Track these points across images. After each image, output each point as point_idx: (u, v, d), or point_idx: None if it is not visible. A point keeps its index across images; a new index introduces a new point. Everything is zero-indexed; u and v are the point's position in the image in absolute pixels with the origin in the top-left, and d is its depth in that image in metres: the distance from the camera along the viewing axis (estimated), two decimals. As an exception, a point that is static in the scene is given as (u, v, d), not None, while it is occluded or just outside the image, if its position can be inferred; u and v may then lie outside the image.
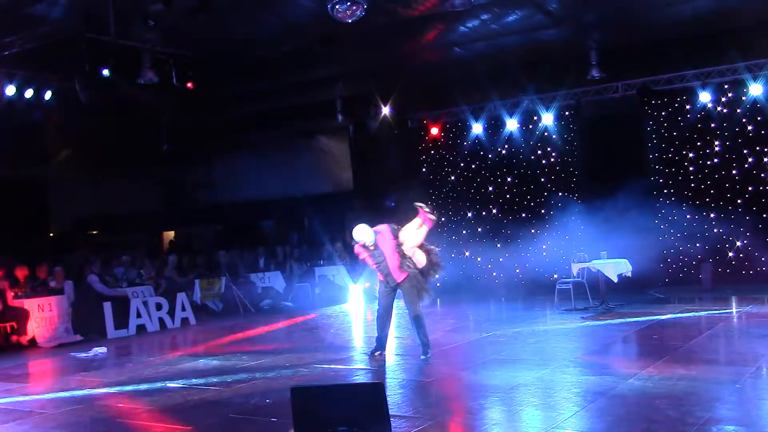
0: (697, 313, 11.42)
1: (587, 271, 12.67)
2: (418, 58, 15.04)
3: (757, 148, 14.36)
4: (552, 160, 16.32)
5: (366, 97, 17.09)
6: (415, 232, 8.64)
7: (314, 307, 15.34)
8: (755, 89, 14.13)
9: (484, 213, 17.04)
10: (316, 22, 11.91)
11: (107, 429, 6.47)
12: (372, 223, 8.80)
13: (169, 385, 8.06)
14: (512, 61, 14.87)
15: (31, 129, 16.08)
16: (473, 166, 17.17)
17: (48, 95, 13.81)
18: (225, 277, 15.37)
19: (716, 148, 14.72)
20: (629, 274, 12.58)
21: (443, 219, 17.05)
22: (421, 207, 8.70)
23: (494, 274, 16.31)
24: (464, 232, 17.03)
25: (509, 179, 16.80)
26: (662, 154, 15.22)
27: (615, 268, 12.30)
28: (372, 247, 8.58)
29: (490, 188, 17.02)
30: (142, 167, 20.01)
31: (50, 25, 11.74)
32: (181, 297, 13.74)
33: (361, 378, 8.18)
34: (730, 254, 14.49)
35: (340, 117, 17.31)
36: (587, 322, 11.14)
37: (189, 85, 13.32)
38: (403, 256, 8.57)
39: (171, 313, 13.47)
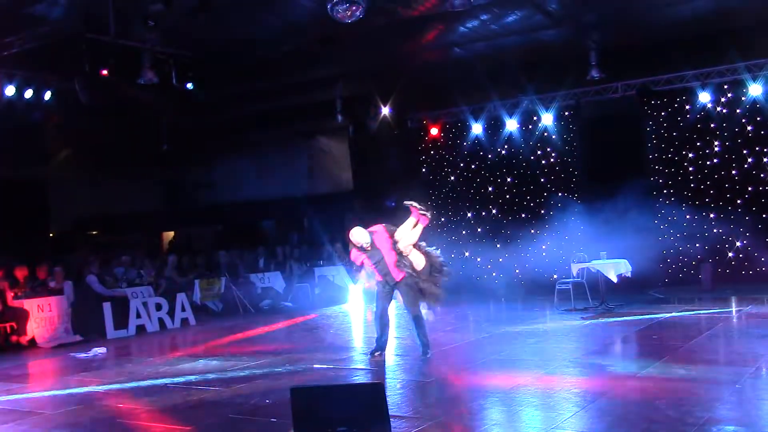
0: (696, 314, 11.42)
1: (587, 272, 12.67)
2: (417, 58, 15.04)
3: (757, 149, 14.36)
4: (552, 160, 16.32)
5: (366, 97, 17.10)
6: (410, 231, 8.62)
7: (314, 307, 15.34)
8: (755, 89, 14.13)
9: (483, 213, 17.04)
10: (316, 23, 11.91)
11: (107, 429, 6.47)
12: (369, 224, 8.80)
13: (168, 385, 8.06)
14: (512, 61, 14.87)
15: (31, 129, 16.09)
16: (473, 167, 17.17)
17: (48, 95, 13.82)
18: (225, 278, 15.37)
19: (716, 149, 14.73)
20: (629, 275, 12.58)
21: (443, 219, 17.07)
22: (413, 205, 8.66)
23: (494, 274, 16.30)
24: (464, 232, 17.03)
25: (509, 179, 16.80)
26: (662, 155, 15.22)
27: (615, 268, 12.30)
28: (369, 247, 8.58)
29: (490, 188, 17.02)
30: (142, 167, 20.01)
31: (50, 25, 11.75)
32: (181, 297, 13.74)
33: (360, 378, 8.18)
34: (730, 254, 14.49)
35: (339, 117, 17.32)
36: (587, 323, 11.14)
37: (189, 85, 13.33)
38: (399, 254, 8.56)
39: (171, 313, 13.47)
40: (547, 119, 16.07)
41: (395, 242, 8.59)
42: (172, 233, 23.14)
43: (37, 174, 18.32)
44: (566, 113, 16.17)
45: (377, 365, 8.59)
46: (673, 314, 11.37)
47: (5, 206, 16.80)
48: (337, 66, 15.26)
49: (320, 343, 10.84)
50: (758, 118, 14.27)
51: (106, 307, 12.65)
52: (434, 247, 8.98)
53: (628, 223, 13.53)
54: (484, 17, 12.95)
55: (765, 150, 14.30)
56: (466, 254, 16.65)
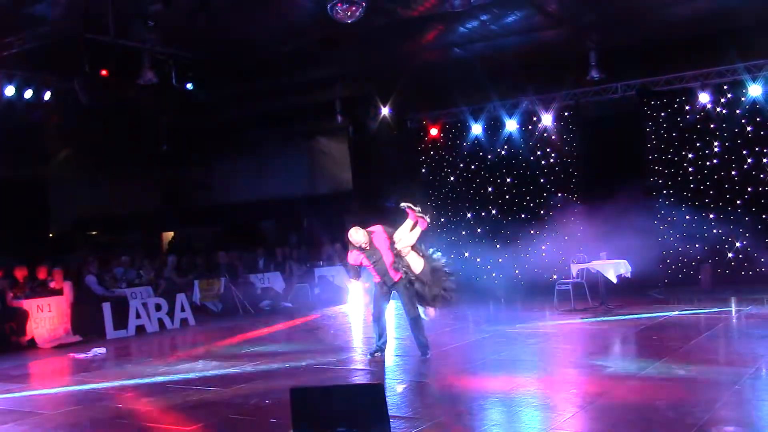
0: (696, 314, 11.42)
1: (586, 272, 12.68)
2: (417, 58, 15.04)
3: (756, 149, 14.35)
4: (551, 160, 16.31)
5: (365, 97, 17.10)
6: (408, 233, 8.60)
7: (313, 307, 15.34)
8: (754, 90, 14.13)
9: (483, 214, 17.04)
10: (316, 23, 11.91)
11: (107, 429, 6.48)
12: (368, 225, 8.79)
13: (168, 385, 8.06)
14: (512, 61, 14.87)
15: (31, 129, 16.09)
16: (473, 167, 17.17)
17: (48, 95, 13.81)
18: (224, 278, 15.36)
19: (715, 149, 14.72)
20: (628, 275, 12.57)
21: (442, 220, 17.07)
22: (409, 207, 8.62)
23: (494, 274, 16.28)
24: (463, 232, 17.02)
25: (509, 180, 16.80)
26: (661, 155, 15.21)
27: (614, 268, 12.29)
28: (367, 247, 8.57)
29: (490, 189, 17.02)
30: (142, 167, 20.00)
31: (50, 25, 11.74)
32: (181, 298, 13.74)
33: (360, 379, 8.19)
34: (730, 255, 14.49)
35: (339, 118, 17.32)
36: (586, 323, 11.13)
37: (189, 85, 13.33)
38: (396, 255, 8.55)
39: (170, 313, 13.47)
40: (546, 119, 16.07)
41: (393, 243, 8.58)
42: (171, 233, 23.13)
43: (37, 174, 18.31)
44: (566, 113, 16.17)
45: (377, 366, 8.58)
46: (673, 315, 11.37)
47: (5, 206, 16.79)
48: (337, 66, 15.26)
49: (320, 343, 10.84)
50: (758, 119, 14.27)
51: (106, 307, 12.66)
52: (433, 249, 8.91)
53: (628, 223, 13.50)
54: (483, 17, 12.94)
55: (765, 150, 14.30)
56: (466, 255, 16.64)
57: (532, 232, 16.02)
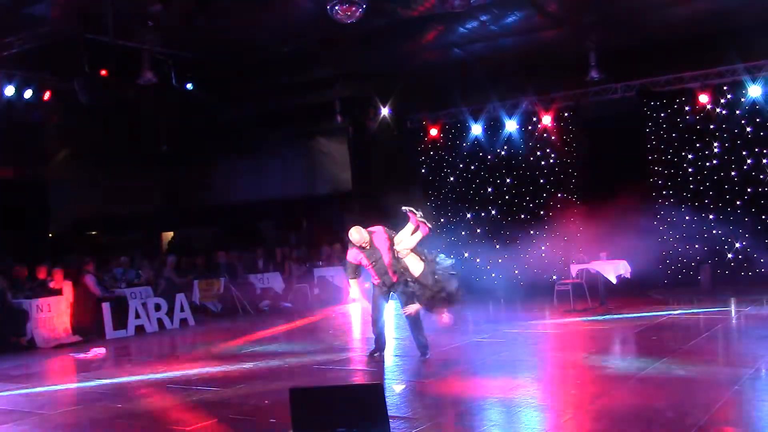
0: (696, 315, 11.42)
1: (586, 273, 12.68)
2: (417, 59, 15.05)
3: (756, 150, 14.36)
4: (551, 161, 16.32)
5: (365, 98, 17.10)
6: (409, 237, 8.59)
7: (313, 308, 15.34)
8: (754, 91, 14.14)
9: (483, 214, 17.04)
10: (316, 23, 11.91)
11: (107, 429, 6.47)
12: (369, 225, 8.78)
13: (168, 385, 8.06)
14: (511, 62, 14.88)
15: (30, 129, 16.08)
16: (472, 167, 17.17)
17: (48, 95, 13.82)
18: (224, 278, 15.36)
19: (715, 150, 14.72)
20: (628, 276, 12.58)
21: (442, 220, 17.07)
22: (411, 211, 8.55)
23: (493, 275, 16.28)
24: (463, 233, 17.01)
25: (508, 180, 16.80)
26: (661, 156, 15.22)
27: (614, 269, 12.30)
28: (367, 246, 8.56)
29: (489, 189, 17.02)
30: (141, 167, 19.98)
31: (50, 25, 11.75)
32: (180, 298, 13.74)
33: (360, 379, 8.18)
34: (729, 255, 14.49)
35: (339, 118, 17.32)
36: (586, 323, 11.13)
37: (188, 85, 13.34)
38: (395, 257, 8.54)
39: (170, 313, 13.47)
40: (546, 120, 16.07)
41: (393, 244, 8.57)
42: (171, 234, 23.13)
43: (37, 174, 18.29)
44: (566, 114, 16.17)
45: (376, 366, 8.58)
46: (673, 315, 11.37)
47: (5, 206, 16.79)
48: (337, 66, 15.26)
49: (319, 343, 10.83)
50: (757, 120, 14.28)
51: (105, 307, 12.66)
52: (436, 252, 8.84)
53: (628, 224, 13.52)
54: (483, 18, 12.95)
55: (764, 151, 14.30)
56: (466, 255, 16.64)
57: (531, 232, 16.03)
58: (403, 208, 8.61)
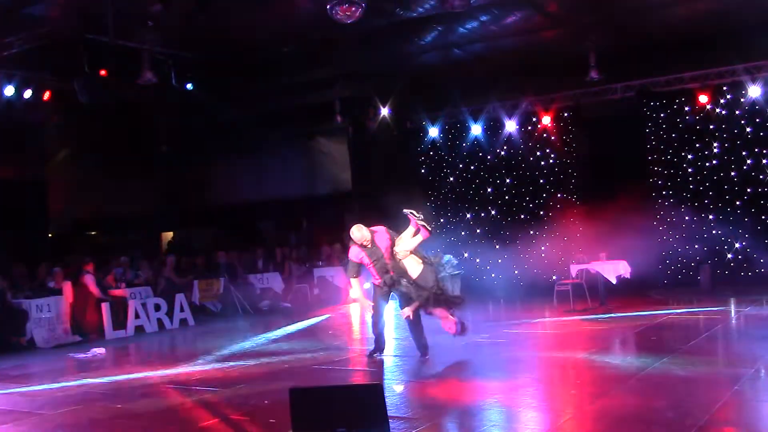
0: (695, 315, 11.42)
1: (586, 273, 12.68)
2: (417, 59, 15.05)
3: (756, 150, 14.37)
4: (551, 161, 16.33)
5: (365, 98, 17.10)
6: (410, 239, 8.58)
7: (313, 308, 15.33)
8: (754, 91, 14.15)
9: (483, 214, 17.05)
10: (316, 24, 11.91)
11: (106, 429, 6.47)
12: (369, 225, 8.78)
13: (168, 385, 8.05)
14: (511, 62, 14.88)
15: (30, 129, 16.08)
16: (472, 168, 17.18)
17: (47, 95, 13.81)
18: (224, 278, 15.35)
19: (715, 150, 14.73)
20: (628, 276, 12.58)
21: (442, 220, 17.07)
22: (411, 214, 8.55)
23: (493, 275, 16.29)
24: (463, 233, 17.01)
25: (508, 180, 16.80)
26: (661, 156, 15.23)
27: (614, 269, 12.30)
28: (368, 244, 8.56)
29: (489, 189, 17.02)
30: (141, 167, 19.99)
31: (50, 26, 11.75)
32: (180, 298, 13.74)
33: (359, 379, 8.18)
34: (729, 256, 14.50)
35: (339, 118, 17.31)
36: (586, 323, 11.13)
37: (188, 85, 13.34)
38: (393, 258, 8.53)
39: (169, 314, 13.47)
40: (546, 120, 16.07)
41: (394, 245, 8.57)
42: (171, 234, 23.12)
43: (36, 174, 18.29)
44: (566, 114, 16.18)
45: (376, 366, 8.58)
46: (673, 315, 11.37)
47: (5, 206, 16.78)
48: (336, 67, 15.26)
49: (319, 343, 10.82)
50: (757, 120, 14.29)
51: (105, 307, 12.65)
52: (440, 254, 8.82)
53: (627, 224, 13.52)
54: (483, 18, 12.96)
55: (764, 151, 14.31)
56: (466, 255, 16.64)
57: (531, 232, 16.03)
58: (404, 210, 8.61)
